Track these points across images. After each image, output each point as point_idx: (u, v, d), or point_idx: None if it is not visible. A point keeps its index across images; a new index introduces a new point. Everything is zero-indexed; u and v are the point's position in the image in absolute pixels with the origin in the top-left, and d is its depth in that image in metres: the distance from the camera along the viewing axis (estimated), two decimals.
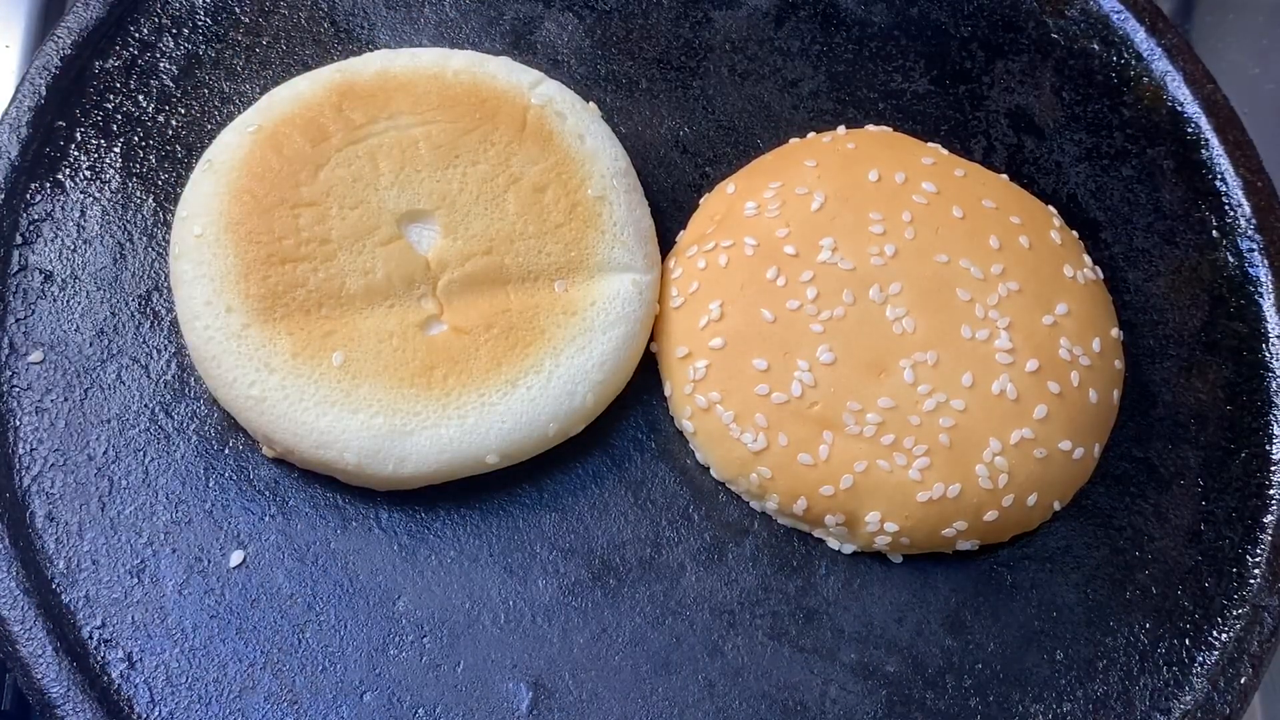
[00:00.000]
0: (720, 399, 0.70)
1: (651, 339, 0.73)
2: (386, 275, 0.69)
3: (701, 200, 0.77)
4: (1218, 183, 0.80)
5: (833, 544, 0.70)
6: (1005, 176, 0.77)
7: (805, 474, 0.68)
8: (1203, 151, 0.81)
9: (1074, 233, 0.76)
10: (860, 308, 0.70)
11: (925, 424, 0.68)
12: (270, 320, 0.67)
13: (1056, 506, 0.71)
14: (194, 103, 0.77)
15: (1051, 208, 0.76)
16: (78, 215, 0.74)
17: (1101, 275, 0.76)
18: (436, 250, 0.70)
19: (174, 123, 0.76)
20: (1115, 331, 0.73)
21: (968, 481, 0.68)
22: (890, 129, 0.78)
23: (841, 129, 0.78)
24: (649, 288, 0.72)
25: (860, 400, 0.68)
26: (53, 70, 0.76)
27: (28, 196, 0.73)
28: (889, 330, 0.70)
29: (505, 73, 0.75)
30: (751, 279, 0.71)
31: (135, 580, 0.66)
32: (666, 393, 0.73)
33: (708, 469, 0.71)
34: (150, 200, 0.74)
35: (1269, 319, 0.77)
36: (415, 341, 0.68)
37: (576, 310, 0.70)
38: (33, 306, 0.71)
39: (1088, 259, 0.75)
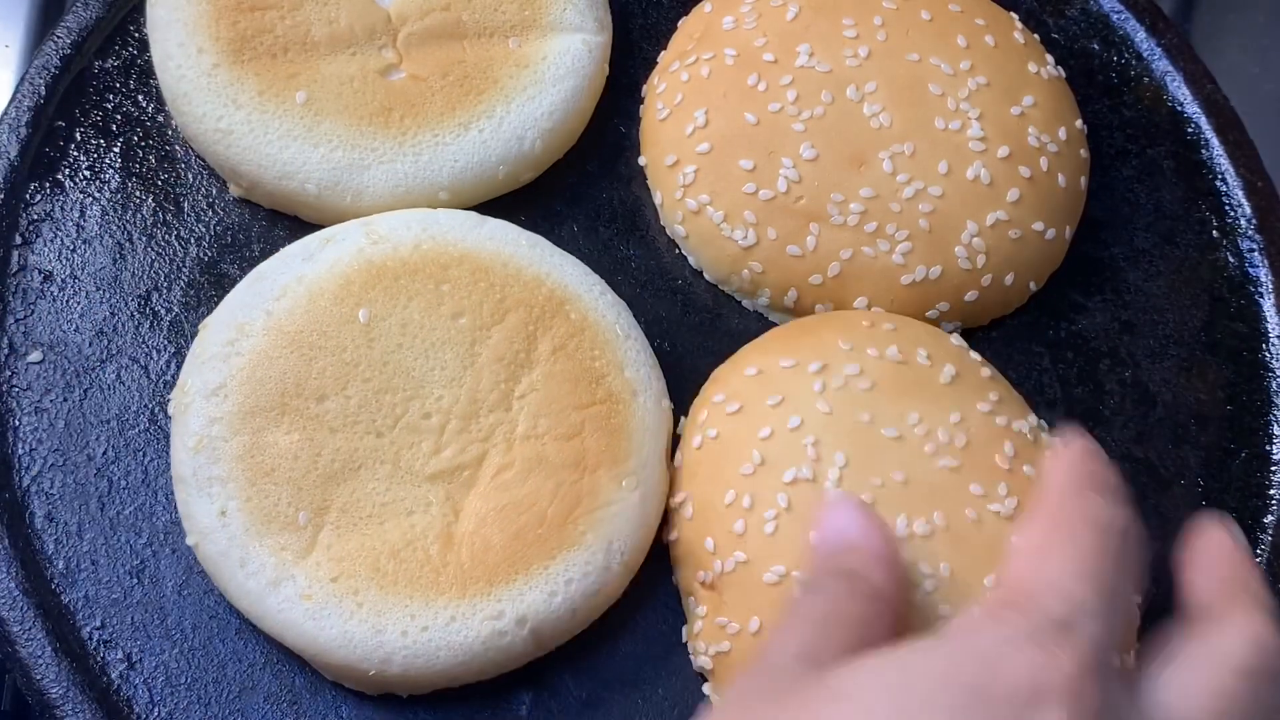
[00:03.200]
0: (710, 200, 0.73)
1: (640, 153, 0.76)
2: (349, 25, 0.73)
3: (680, 23, 0.80)
4: (1218, 183, 0.80)
5: None
6: None
7: (794, 265, 0.72)
8: (1203, 151, 0.81)
9: (1035, 35, 0.79)
10: (839, 106, 0.73)
11: (905, 211, 0.71)
12: (239, 62, 0.72)
13: (1033, 287, 0.74)
14: None
15: (1012, 13, 0.79)
16: (77, 215, 0.73)
17: (1063, 74, 0.78)
18: (397, 4, 0.75)
19: (174, 123, 0.76)
20: (1079, 124, 0.77)
21: (948, 263, 0.71)
22: None
23: None
24: (599, 48, 0.77)
25: (843, 192, 0.71)
26: (52, 70, 0.75)
27: (27, 196, 0.73)
28: (867, 125, 0.73)
29: None
30: (734, 86, 0.74)
31: (135, 580, 0.66)
32: (657, 202, 0.76)
33: (701, 272, 0.75)
34: (150, 200, 0.74)
35: (1269, 319, 0.77)
36: (375, 85, 0.73)
37: (529, 64, 0.75)
38: (32, 306, 0.71)
39: (1050, 58, 0.78)
